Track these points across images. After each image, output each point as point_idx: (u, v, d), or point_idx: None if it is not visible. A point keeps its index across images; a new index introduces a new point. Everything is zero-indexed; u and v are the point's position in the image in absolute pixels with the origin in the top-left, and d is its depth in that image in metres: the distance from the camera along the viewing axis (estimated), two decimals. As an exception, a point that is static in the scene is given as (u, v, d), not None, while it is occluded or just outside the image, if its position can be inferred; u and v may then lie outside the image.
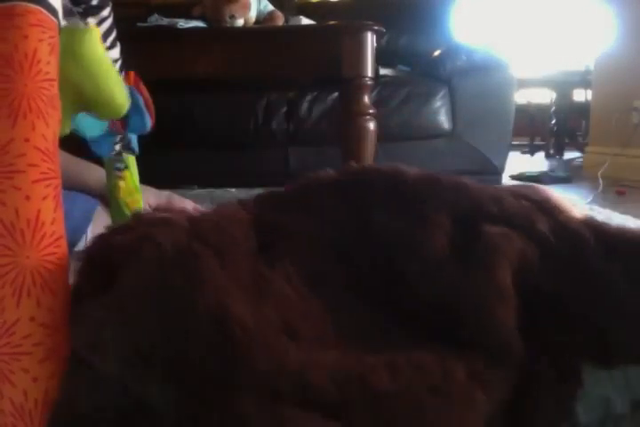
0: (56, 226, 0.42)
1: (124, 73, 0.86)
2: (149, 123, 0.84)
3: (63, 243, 0.43)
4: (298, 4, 3.38)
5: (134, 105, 0.82)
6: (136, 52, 1.76)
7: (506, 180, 2.97)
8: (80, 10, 0.79)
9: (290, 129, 2.79)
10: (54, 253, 0.42)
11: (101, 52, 0.68)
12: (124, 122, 0.82)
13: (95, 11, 0.81)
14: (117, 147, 0.90)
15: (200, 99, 2.79)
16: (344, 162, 1.83)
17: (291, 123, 2.79)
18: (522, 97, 5.15)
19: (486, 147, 2.78)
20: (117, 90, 0.71)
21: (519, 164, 3.89)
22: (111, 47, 0.87)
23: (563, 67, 5.14)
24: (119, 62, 0.92)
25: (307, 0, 3.68)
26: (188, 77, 1.80)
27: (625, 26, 3.32)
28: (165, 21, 1.81)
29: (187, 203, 1.26)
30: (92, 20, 0.82)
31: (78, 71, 0.63)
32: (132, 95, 0.82)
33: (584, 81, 4.49)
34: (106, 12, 0.82)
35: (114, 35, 0.87)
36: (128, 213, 0.95)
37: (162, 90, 2.72)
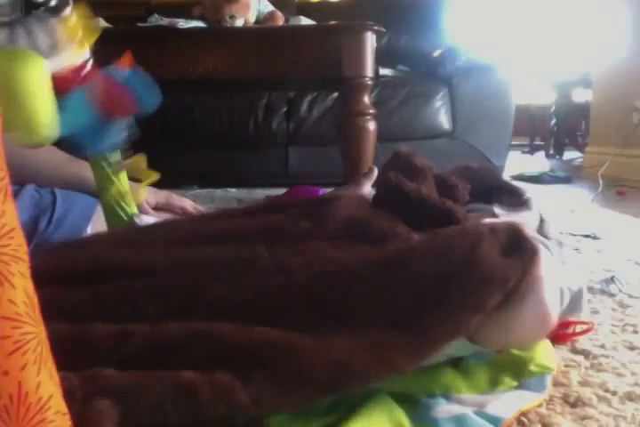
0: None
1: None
2: (155, 101, 0.82)
3: None
4: (298, 3, 3.38)
5: (139, 83, 0.80)
6: (136, 52, 1.76)
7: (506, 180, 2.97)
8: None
9: (290, 129, 2.79)
10: None
11: (35, 85, 0.65)
12: (132, 105, 0.80)
13: (55, 11, 0.78)
14: (119, 138, 0.87)
15: (200, 99, 2.80)
16: (344, 162, 1.83)
17: (291, 123, 2.79)
18: (522, 97, 5.15)
19: (486, 147, 2.78)
20: (43, 122, 0.67)
21: (519, 164, 3.89)
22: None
23: (563, 67, 5.15)
24: (90, 62, 0.88)
25: (307, 0, 3.68)
26: (188, 77, 1.80)
27: (624, 26, 3.32)
28: (165, 21, 1.81)
29: (185, 202, 1.26)
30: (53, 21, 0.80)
31: (3, 98, 0.61)
32: (133, 75, 0.80)
33: (584, 81, 4.49)
34: (67, 12, 0.80)
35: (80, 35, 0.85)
36: (123, 215, 0.94)
37: (162, 90, 2.72)
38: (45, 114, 0.66)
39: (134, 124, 0.87)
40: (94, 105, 0.76)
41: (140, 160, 0.92)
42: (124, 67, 0.81)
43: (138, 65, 0.84)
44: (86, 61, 0.76)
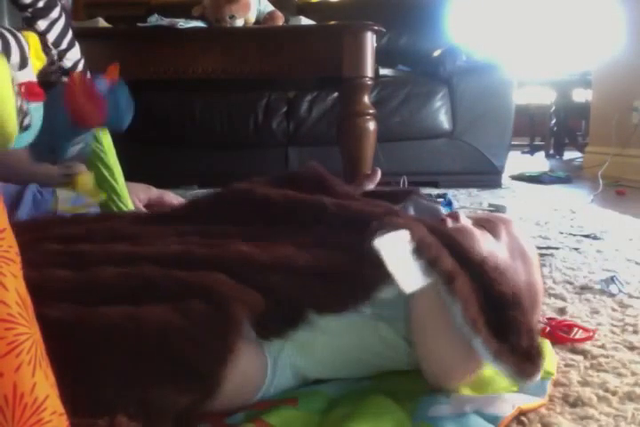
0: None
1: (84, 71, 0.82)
2: (126, 122, 0.82)
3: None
4: (298, 3, 3.37)
5: (113, 103, 0.80)
6: (136, 52, 1.76)
7: (506, 180, 2.97)
8: (28, 14, 0.79)
9: (290, 129, 2.79)
10: None
11: (6, 90, 0.66)
12: (101, 118, 0.80)
13: (44, 13, 0.80)
14: (77, 149, 0.88)
15: (200, 99, 2.79)
16: (344, 162, 1.83)
17: (291, 123, 2.79)
18: (522, 97, 5.14)
19: (486, 147, 2.78)
20: (8, 122, 0.68)
21: (519, 164, 3.89)
22: (69, 48, 0.86)
23: (563, 67, 5.14)
24: (82, 61, 0.90)
25: (307, 0, 3.68)
26: (188, 77, 1.80)
27: (624, 26, 3.32)
28: (165, 21, 1.80)
29: (179, 200, 1.27)
30: (42, 23, 0.81)
31: None
32: (111, 93, 0.80)
33: (584, 81, 4.49)
34: (55, 13, 0.81)
35: (70, 35, 0.86)
36: (117, 209, 0.95)
37: (162, 90, 2.72)
38: (14, 118, 0.66)
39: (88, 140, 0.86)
40: (67, 109, 0.76)
41: (87, 179, 0.92)
42: (109, 78, 0.80)
43: (122, 77, 0.83)
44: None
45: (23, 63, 0.71)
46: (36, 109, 0.72)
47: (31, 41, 0.73)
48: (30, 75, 0.72)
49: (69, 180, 0.95)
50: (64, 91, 0.77)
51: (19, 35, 0.71)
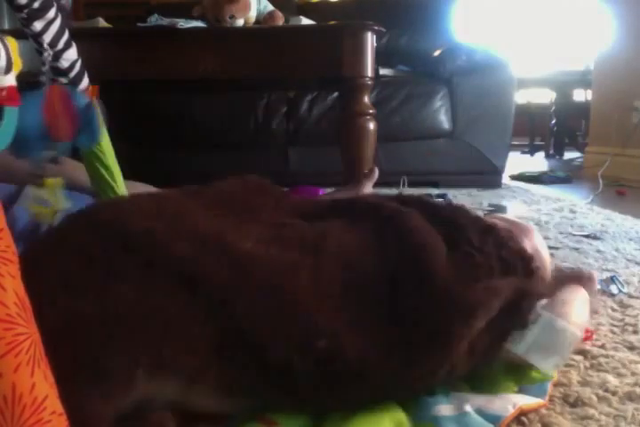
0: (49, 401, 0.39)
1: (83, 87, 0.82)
2: (95, 141, 0.82)
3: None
4: (298, 3, 3.37)
5: (86, 121, 0.79)
6: (136, 52, 1.76)
7: (506, 180, 2.97)
8: (24, 15, 0.78)
9: (290, 129, 2.79)
10: None
11: None
12: (71, 133, 0.79)
13: (40, 14, 0.80)
14: (46, 154, 0.87)
15: (200, 99, 2.79)
16: (344, 162, 1.83)
17: (291, 123, 2.79)
18: (522, 97, 5.14)
19: (486, 147, 2.78)
20: None
21: (519, 164, 3.89)
22: (65, 48, 0.86)
23: (563, 67, 5.14)
24: (78, 62, 0.90)
25: (307, 0, 3.68)
26: (188, 77, 1.80)
27: (624, 26, 3.32)
28: (165, 21, 1.80)
29: None
30: (38, 24, 0.81)
31: None
32: (86, 111, 0.79)
33: (584, 81, 4.48)
34: (51, 13, 0.81)
35: (66, 36, 0.85)
36: None
37: (162, 90, 2.72)
38: None
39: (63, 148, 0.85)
40: (42, 118, 0.75)
41: (55, 184, 0.91)
42: (87, 96, 0.80)
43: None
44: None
45: (9, 68, 0.71)
46: (11, 112, 0.71)
47: (12, 46, 0.73)
48: (13, 79, 0.73)
49: (39, 180, 0.93)
50: (42, 100, 0.76)
51: (4, 39, 0.71)
